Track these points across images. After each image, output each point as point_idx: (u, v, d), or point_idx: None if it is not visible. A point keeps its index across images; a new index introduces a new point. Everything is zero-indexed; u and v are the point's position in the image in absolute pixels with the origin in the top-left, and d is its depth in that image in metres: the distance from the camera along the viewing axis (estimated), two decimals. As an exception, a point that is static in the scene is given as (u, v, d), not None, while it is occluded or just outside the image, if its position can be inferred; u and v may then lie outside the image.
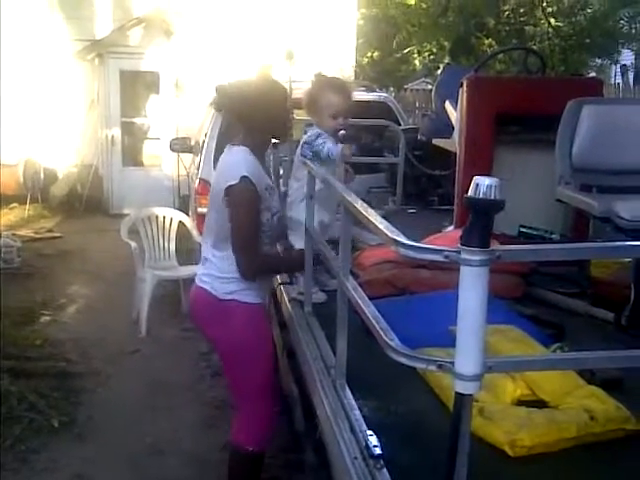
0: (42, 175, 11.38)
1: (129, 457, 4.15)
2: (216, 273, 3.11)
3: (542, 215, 4.26)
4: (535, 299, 3.50)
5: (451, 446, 1.61)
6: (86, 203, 11.33)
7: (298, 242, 3.23)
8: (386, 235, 1.66)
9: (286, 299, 3.47)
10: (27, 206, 10.86)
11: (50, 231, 9.97)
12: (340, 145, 3.17)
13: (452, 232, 4.07)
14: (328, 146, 3.17)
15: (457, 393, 1.56)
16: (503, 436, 2.01)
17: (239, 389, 3.27)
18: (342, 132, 3.23)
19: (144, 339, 6.05)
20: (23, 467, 4.06)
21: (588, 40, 15.14)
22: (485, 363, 1.54)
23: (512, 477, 1.92)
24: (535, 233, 4.13)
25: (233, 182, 2.96)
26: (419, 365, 1.62)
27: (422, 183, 6.09)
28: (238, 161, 3.05)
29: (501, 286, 3.15)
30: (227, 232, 3.04)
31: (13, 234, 8.67)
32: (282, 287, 3.62)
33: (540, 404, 2.30)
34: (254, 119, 3.10)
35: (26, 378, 4.87)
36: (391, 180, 6.02)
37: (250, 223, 3.00)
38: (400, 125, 6.82)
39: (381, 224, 1.74)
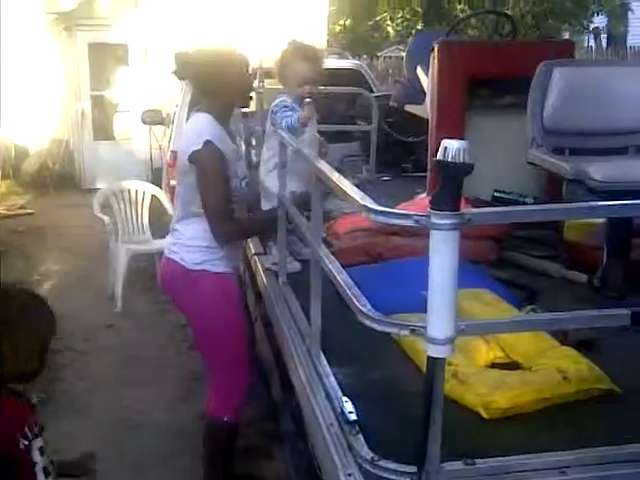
0: (13, 151, 11.23)
1: (106, 432, 4.15)
2: (185, 242, 3.10)
3: (516, 179, 4.27)
4: (509, 262, 3.52)
5: (425, 410, 1.62)
6: (58, 179, 11.19)
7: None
8: (357, 202, 1.65)
9: (260, 269, 3.46)
10: (-2, 183, 10.74)
11: (22, 207, 9.86)
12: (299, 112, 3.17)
13: (425, 199, 4.07)
14: (286, 120, 3.17)
15: (430, 357, 1.57)
16: (477, 398, 2.03)
17: (212, 359, 3.27)
18: (308, 100, 3.22)
19: (119, 314, 6.02)
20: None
21: (558, 7, 15.09)
22: (457, 326, 1.54)
23: (487, 439, 1.93)
24: (509, 197, 4.14)
25: (196, 148, 2.94)
26: (391, 330, 1.62)
27: (395, 150, 6.06)
28: (201, 127, 3.03)
29: (475, 250, 3.17)
30: (194, 200, 3.02)
31: (-16, 211, 8.57)
32: (256, 257, 3.60)
33: (514, 366, 2.32)
34: (212, 85, 3.08)
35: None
36: (364, 148, 5.99)
37: (219, 187, 2.97)
38: (372, 92, 6.78)
39: (352, 191, 1.73)
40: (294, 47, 3.34)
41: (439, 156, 1.52)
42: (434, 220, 1.48)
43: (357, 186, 1.82)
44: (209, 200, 2.98)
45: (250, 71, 3.23)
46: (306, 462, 2.56)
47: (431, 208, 1.49)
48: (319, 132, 3.50)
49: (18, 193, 10.73)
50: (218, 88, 3.07)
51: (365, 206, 1.60)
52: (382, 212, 1.56)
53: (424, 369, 1.84)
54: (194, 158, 2.95)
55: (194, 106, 3.33)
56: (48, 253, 7.89)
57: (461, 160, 1.51)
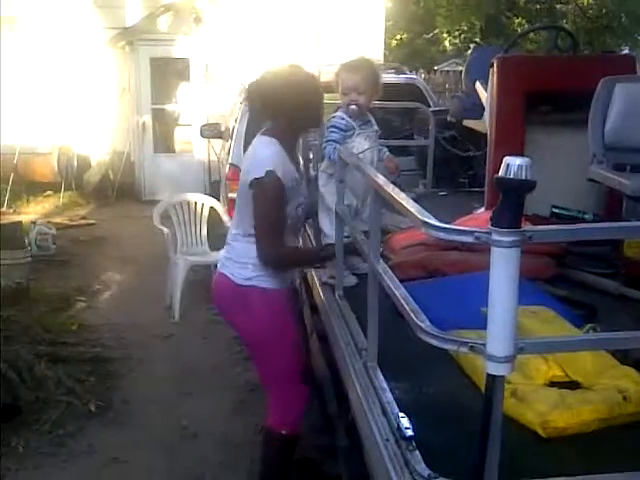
0: (75, 163, 11.50)
1: (163, 441, 4.20)
2: (235, 257, 3.15)
3: (575, 195, 4.22)
4: (567, 280, 3.47)
5: (483, 428, 1.61)
6: (119, 190, 11.43)
7: (326, 225, 3.25)
8: (416, 217, 1.66)
9: (317, 283, 3.48)
10: (61, 194, 10.99)
11: (84, 218, 10.09)
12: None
13: (483, 214, 4.04)
14: (328, 149, 3.23)
15: (489, 374, 1.56)
16: (535, 417, 2.00)
17: (265, 374, 3.30)
18: (353, 107, 3.28)
19: (177, 324, 6.11)
20: (60, 451, 4.13)
21: (615, 23, 14.78)
22: (516, 344, 1.53)
23: (545, 458, 1.91)
24: (568, 213, 4.09)
25: (258, 175, 2.98)
26: (450, 347, 1.62)
27: (452, 165, 6.04)
28: (266, 155, 3.07)
29: (532, 267, 3.13)
30: (249, 220, 3.07)
31: (48, 221, 8.78)
32: (313, 271, 3.62)
33: (573, 385, 2.28)
34: (286, 112, 3.10)
35: (63, 363, 4.95)
36: (421, 162, 5.99)
37: (273, 216, 3.02)
38: (430, 107, 6.78)
39: (411, 207, 1.74)
40: (348, 61, 3.39)
41: (501, 173, 1.52)
42: (495, 237, 1.48)
43: (414, 200, 1.83)
44: (262, 228, 3.03)
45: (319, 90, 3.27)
46: (360, 477, 2.55)
47: (492, 225, 1.49)
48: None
49: (80, 204, 10.99)
50: (292, 115, 3.10)
51: (424, 221, 1.61)
52: (442, 228, 1.56)
53: (482, 386, 1.83)
54: (254, 185, 3.00)
55: (255, 121, 3.38)
56: (108, 263, 8.05)
57: (523, 177, 1.50)
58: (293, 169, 3.16)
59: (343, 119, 3.31)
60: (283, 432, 3.26)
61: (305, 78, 3.19)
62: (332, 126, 3.30)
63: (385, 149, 3.60)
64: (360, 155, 3.11)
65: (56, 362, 4.93)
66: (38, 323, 5.65)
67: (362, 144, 3.31)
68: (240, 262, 3.14)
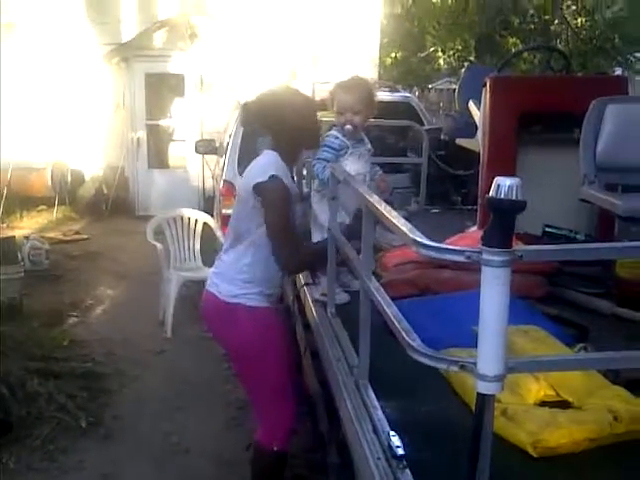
0: (69, 177, 11.51)
1: (155, 456, 4.20)
2: (224, 272, 3.16)
3: (567, 215, 4.24)
4: (559, 299, 3.48)
5: (473, 447, 1.61)
6: (112, 205, 11.42)
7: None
8: (407, 236, 1.67)
9: (310, 300, 3.49)
10: (55, 208, 10.98)
11: (77, 233, 10.08)
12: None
13: (475, 232, 4.06)
14: (317, 167, 3.28)
15: (479, 393, 1.57)
16: (526, 436, 2.01)
17: (252, 391, 3.30)
18: (348, 127, 3.30)
19: (170, 340, 6.10)
20: (51, 466, 4.12)
21: (608, 45, 14.88)
22: (507, 363, 1.54)
23: (535, 478, 1.92)
24: (560, 233, 4.10)
25: (261, 180, 3.00)
26: (441, 365, 1.63)
27: (445, 183, 6.08)
28: (269, 162, 3.09)
29: (524, 286, 3.14)
30: (245, 228, 3.09)
31: (41, 236, 8.77)
32: (305, 288, 3.63)
33: (564, 405, 2.28)
34: (287, 131, 3.13)
35: (54, 379, 4.93)
36: (414, 180, 6.00)
37: (284, 219, 3.03)
38: (423, 125, 6.81)
39: (402, 225, 1.75)
40: (342, 80, 3.42)
41: (492, 193, 1.53)
42: (485, 257, 1.49)
43: (406, 219, 1.84)
44: (277, 231, 3.03)
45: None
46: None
47: (482, 244, 1.50)
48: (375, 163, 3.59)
49: (74, 219, 10.98)
50: (289, 135, 3.13)
51: (415, 240, 1.62)
52: (433, 247, 1.57)
53: (472, 405, 1.83)
54: (259, 189, 3.01)
55: (251, 137, 3.41)
56: (101, 278, 8.04)
57: (514, 197, 1.52)
58: (294, 185, 3.18)
59: (337, 138, 3.34)
60: (274, 448, 3.26)
61: (304, 99, 3.24)
62: (325, 145, 3.33)
63: (378, 168, 3.62)
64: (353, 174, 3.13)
65: (48, 377, 4.91)
66: (30, 338, 5.63)
67: (355, 162, 3.33)
68: (228, 277, 3.14)
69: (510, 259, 1.50)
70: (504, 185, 1.53)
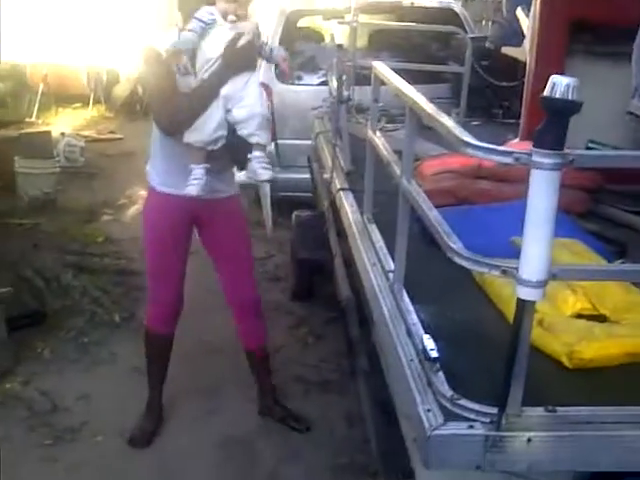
0: (105, 77, 11.43)
1: (185, 354, 4.22)
2: None
3: (613, 131, 4.10)
4: (600, 216, 3.41)
5: (510, 352, 1.60)
6: (146, 106, 11.34)
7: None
8: (455, 137, 1.61)
9: (346, 205, 3.45)
10: (90, 107, 10.95)
11: (112, 132, 10.08)
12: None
13: (517, 143, 3.96)
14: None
15: (519, 299, 1.54)
16: (562, 347, 1.99)
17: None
18: (231, 17, 3.06)
19: (197, 238, 6.10)
20: (85, 358, 4.21)
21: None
22: (550, 270, 1.51)
23: (569, 389, 1.90)
24: (604, 149, 3.99)
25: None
26: (482, 269, 1.59)
27: (487, 95, 5.91)
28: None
29: (566, 200, 3.05)
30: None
31: (77, 134, 8.77)
32: (342, 193, 3.59)
33: (600, 319, 2.25)
34: None
35: (88, 273, 5.01)
36: (455, 91, 5.86)
37: (154, 78, 3.11)
38: (467, 33, 6.59)
39: (449, 125, 1.69)
40: None
41: (546, 92, 1.46)
42: (536, 158, 1.43)
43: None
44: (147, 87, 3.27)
45: None
46: (380, 399, 2.57)
47: (534, 146, 1.44)
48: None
49: (108, 118, 10.97)
50: None
51: (464, 141, 1.56)
52: (480, 147, 1.52)
53: (508, 315, 1.82)
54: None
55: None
56: (134, 178, 8.01)
57: (569, 97, 1.45)
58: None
59: (212, 14, 3.07)
60: (144, 322, 3.62)
61: None
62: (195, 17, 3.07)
63: (276, 47, 3.46)
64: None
65: (82, 272, 4.99)
66: (65, 233, 5.70)
67: (216, 44, 3.08)
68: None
69: (562, 162, 1.44)
70: (560, 84, 1.46)
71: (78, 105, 11.05)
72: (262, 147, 3.18)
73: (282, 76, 2.97)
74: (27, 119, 9.60)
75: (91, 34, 11.08)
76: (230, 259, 3.51)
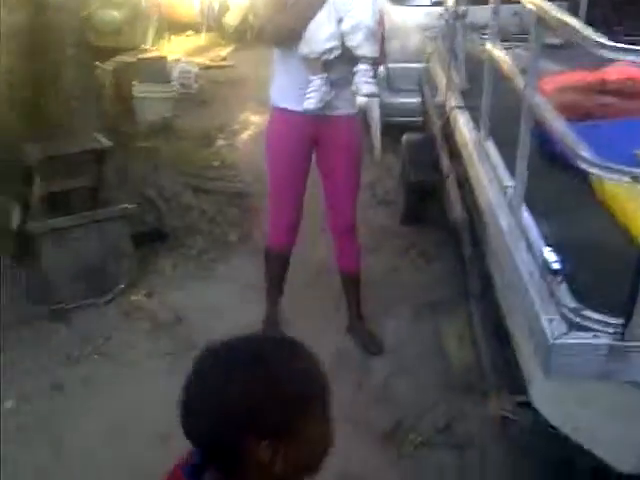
0: (216, 5, 11.48)
1: (301, 274, 4.24)
2: None
3: None
4: None
5: (638, 263, 1.57)
6: (257, 33, 11.35)
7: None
8: (587, 37, 1.56)
9: (460, 124, 3.39)
10: (202, 34, 11.06)
11: (224, 59, 10.16)
12: None
13: None
14: None
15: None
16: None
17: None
18: None
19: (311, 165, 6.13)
20: (204, 273, 4.38)
21: None
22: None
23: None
24: None
25: None
26: (612, 176, 1.57)
27: (606, 7, 5.60)
28: None
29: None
30: None
31: (190, 61, 8.90)
32: (457, 111, 3.53)
33: None
34: None
35: (206, 195, 5.14)
36: (571, 8, 5.57)
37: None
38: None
39: (581, 27, 1.63)
40: None
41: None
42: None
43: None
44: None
45: None
46: (492, 319, 2.58)
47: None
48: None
49: (220, 45, 11.03)
50: None
51: (597, 41, 1.51)
52: (617, 48, 1.47)
53: (633, 228, 1.77)
54: None
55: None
56: (246, 104, 8.12)
57: None
58: None
59: None
60: (266, 243, 3.71)
61: None
62: None
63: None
64: None
65: (199, 193, 5.13)
66: (182, 156, 5.85)
67: None
68: None
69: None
70: None
71: (190, 33, 11.16)
72: (368, 60, 3.17)
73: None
74: (142, 46, 9.77)
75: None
76: (339, 183, 3.51)
